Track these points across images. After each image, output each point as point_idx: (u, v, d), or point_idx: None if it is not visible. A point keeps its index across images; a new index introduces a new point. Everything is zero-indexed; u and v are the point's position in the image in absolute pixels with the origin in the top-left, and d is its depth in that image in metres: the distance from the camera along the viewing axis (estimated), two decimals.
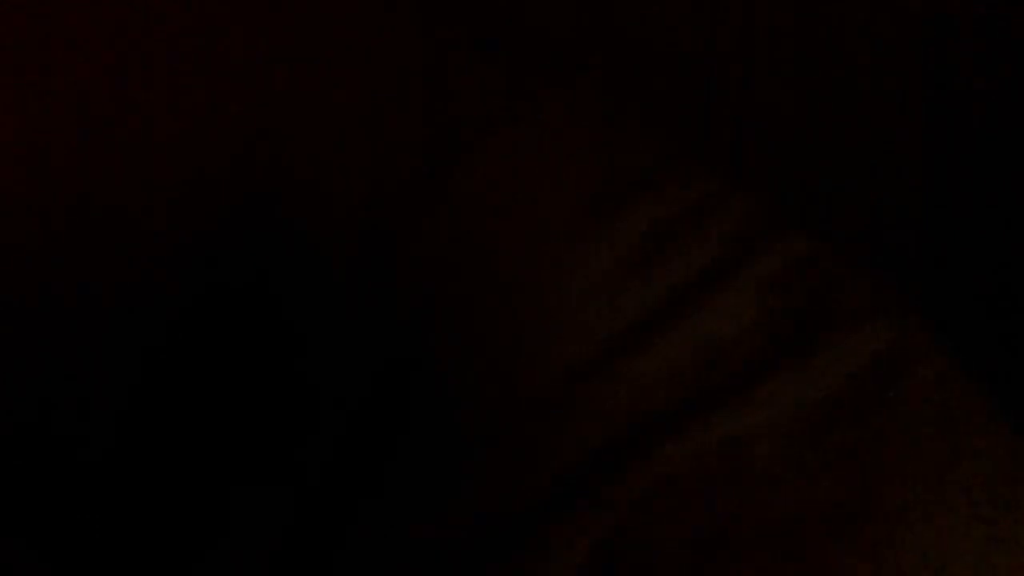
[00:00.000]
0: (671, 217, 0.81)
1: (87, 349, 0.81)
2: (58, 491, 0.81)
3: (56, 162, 0.81)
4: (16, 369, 0.81)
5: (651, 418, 0.77)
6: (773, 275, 0.80)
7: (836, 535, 0.74)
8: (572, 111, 0.84)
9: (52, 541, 0.81)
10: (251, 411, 0.81)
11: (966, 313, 0.87)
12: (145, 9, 0.82)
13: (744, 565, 0.73)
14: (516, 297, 0.79)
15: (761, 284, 0.79)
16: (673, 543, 0.74)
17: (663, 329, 0.78)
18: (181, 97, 0.81)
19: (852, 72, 1.06)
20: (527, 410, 0.77)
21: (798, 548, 0.74)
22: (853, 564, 0.73)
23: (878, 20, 1.07)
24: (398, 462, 0.78)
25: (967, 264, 1.06)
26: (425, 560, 0.77)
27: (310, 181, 0.81)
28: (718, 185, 0.82)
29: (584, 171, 0.82)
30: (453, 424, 0.78)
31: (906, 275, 1.06)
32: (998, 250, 1.07)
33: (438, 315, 0.79)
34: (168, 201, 0.81)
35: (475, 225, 0.81)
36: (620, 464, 0.76)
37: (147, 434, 0.82)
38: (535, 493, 0.77)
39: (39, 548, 0.81)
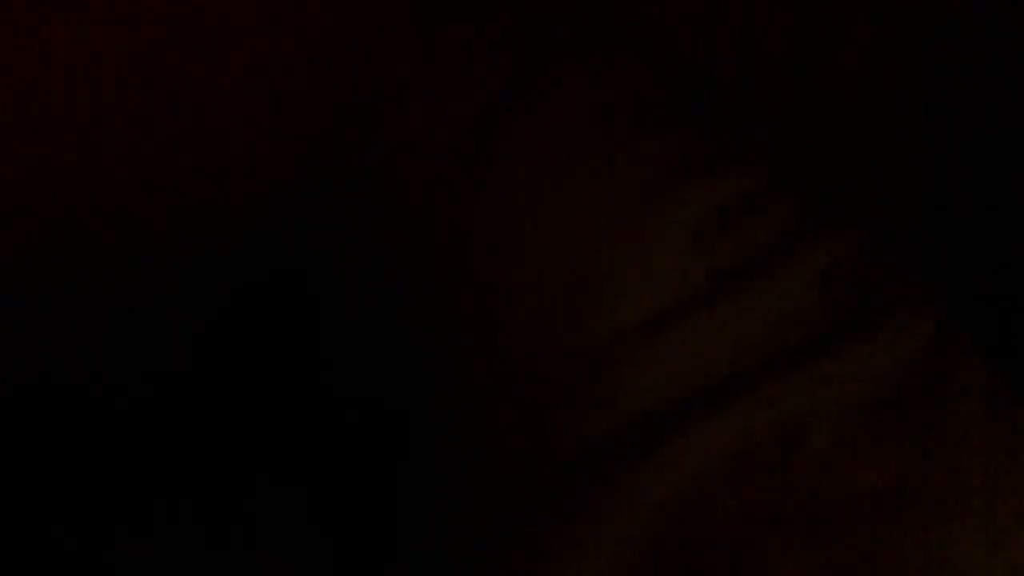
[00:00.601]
0: (728, 203, 0.81)
1: (134, 338, 0.81)
2: (83, 476, 0.82)
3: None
4: (63, 357, 0.81)
5: (709, 387, 0.77)
6: (830, 263, 0.80)
7: (887, 518, 0.74)
8: (621, 92, 0.84)
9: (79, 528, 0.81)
10: (279, 404, 0.81)
11: (965, 317, 0.87)
12: None
13: (796, 543, 0.73)
14: (579, 261, 0.79)
15: (819, 270, 0.80)
16: (728, 515, 0.74)
17: (724, 302, 0.78)
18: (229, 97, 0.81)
19: (852, 72, 1.06)
20: (586, 367, 0.77)
21: (850, 529, 0.74)
22: (903, 547, 0.73)
23: (878, 20, 1.07)
24: (438, 422, 0.78)
25: (967, 263, 1.06)
26: (468, 522, 0.76)
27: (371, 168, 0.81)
28: (767, 176, 0.82)
29: (638, 153, 0.82)
30: (513, 378, 0.78)
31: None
32: (998, 249, 1.07)
33: (498, 283, 0.79)
34: (243, 195, 0.81)
35: (533, 195, 0.81)
36: (679, 428, 0.75)
37: (177, 425, 0.82)
38: (594, 449, 0.77)
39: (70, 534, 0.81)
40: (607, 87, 0.84)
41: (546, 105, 0.82)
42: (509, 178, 0.80)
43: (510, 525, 0.76)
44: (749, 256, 0.80)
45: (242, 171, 0.81)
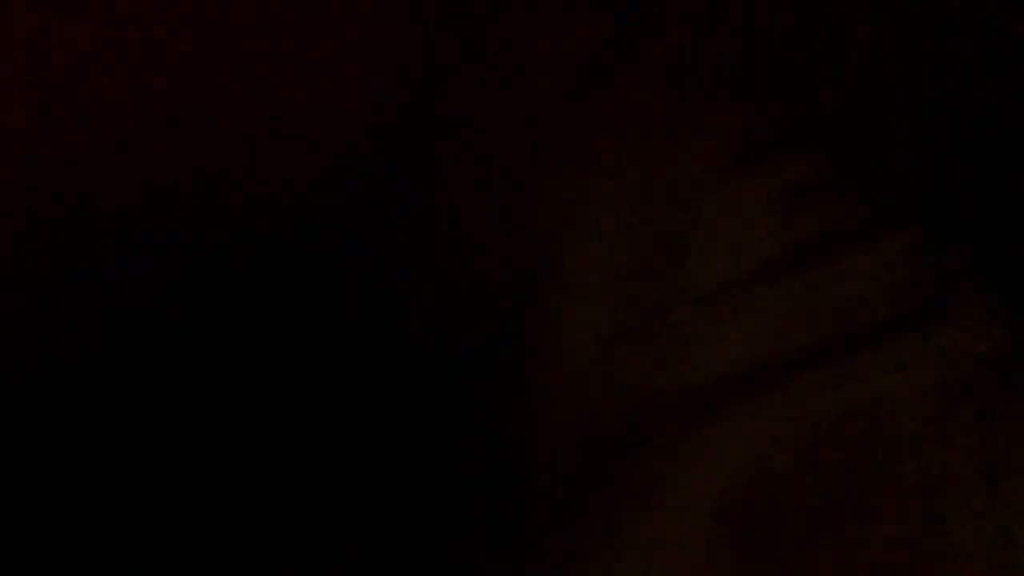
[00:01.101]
0: (809, 180, 0.81)
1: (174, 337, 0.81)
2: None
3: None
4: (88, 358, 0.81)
5: (787, 356, 0.77)
6: (906, 247, 0.80)
7: (972, 504, 0.74)
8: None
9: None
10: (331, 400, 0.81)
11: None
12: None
13: (879, 526, 0.73)
14: (667, 217, 0.78)
15: (896, 253, 0.79)
16: (803, 492, 0.74)
17: (803, 274, 0.78)
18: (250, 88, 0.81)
19: (852, 72, 1.06)
20: (664, 323, 0.77)
21: (936, 515, 0.73)
22: (988, 533, 0.73)
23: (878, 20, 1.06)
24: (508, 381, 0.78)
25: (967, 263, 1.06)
26: (539, 484, 0.76)
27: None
28: (839, 158, 0.82)
29: (730, 118, 0.82)
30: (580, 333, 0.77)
31: None
32: (999, 247, 1.07)
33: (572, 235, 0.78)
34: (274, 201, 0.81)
35: (630, 149, 0.81)
36: (753, 394, 0.75)
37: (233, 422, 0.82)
38: (666, 407, 0.76)
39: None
40: (707, 47, 0.84)
41: (647, 59, 0.82)
42: (608, 130, 0.80)
43: (584, 485, 0.75)
44: (827, 233, 0.80)
45: (331, 133, 0.81)
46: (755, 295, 0.79)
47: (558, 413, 0.77)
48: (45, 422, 0.82)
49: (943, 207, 1.04)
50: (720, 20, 0.89)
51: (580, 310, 0.79)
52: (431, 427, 0.81)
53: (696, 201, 0.80)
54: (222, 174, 0.82)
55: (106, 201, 0.82)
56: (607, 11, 0.84)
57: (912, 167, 0.92)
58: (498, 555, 0.77)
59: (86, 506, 0.83)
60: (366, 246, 0.82)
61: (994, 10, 1.04)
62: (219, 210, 0.82)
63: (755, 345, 0.78)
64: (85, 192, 0.82)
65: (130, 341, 0.83)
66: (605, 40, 0.82)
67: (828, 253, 0.80)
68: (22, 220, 0.82)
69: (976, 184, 1.04)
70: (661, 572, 0.73)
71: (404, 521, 0.81)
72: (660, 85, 0.83)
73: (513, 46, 0.83)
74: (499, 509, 0.78)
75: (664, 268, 0.79)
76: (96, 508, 0.83)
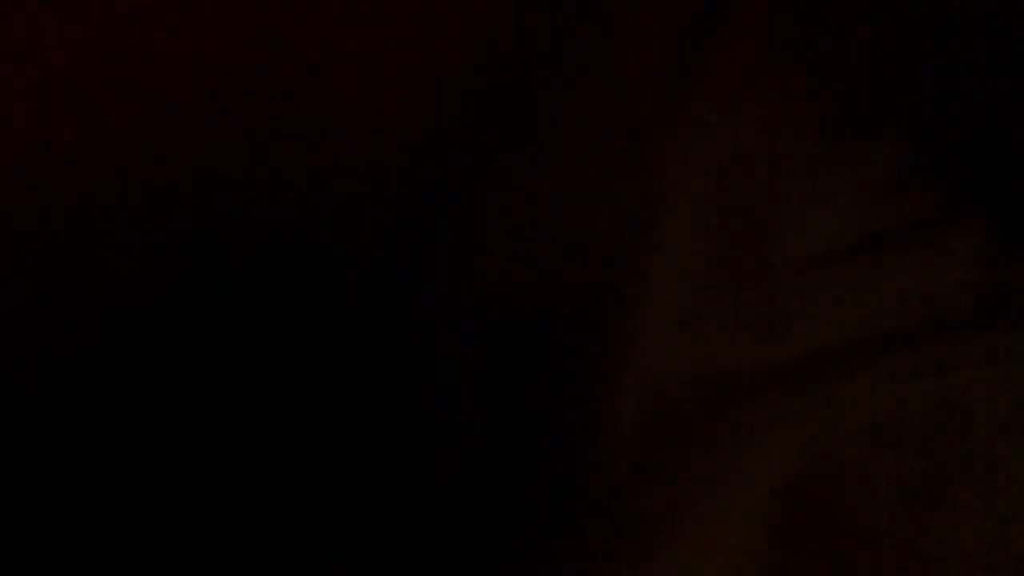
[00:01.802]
0: (889, 166, 0.80)
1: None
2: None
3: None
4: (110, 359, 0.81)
5: (869, 340, 0.76)
6: (983, 243, 0.80)
7: None
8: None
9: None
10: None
11: None
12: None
13: (959, 520, 0.72)
14: (758, 188, 0.78)
15: (975, 248, 0.79)
16: (877, 481, 0.73)
17: (886, 261, 0.78)
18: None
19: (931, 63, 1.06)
20: (751, 294, 0.76)
21: (1003, 515, 0.73)
22: None
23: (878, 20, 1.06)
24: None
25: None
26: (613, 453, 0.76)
27: None
28: (912, 149, 0.82)
29: (818, 99, 0.82)
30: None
31: None
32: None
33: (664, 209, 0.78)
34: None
35: (724, 121, 0.80)
36: (828, 378, 0.74)
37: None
38: (744, 381, 0.76)
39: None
40: (806, 24, 0.83)
41: (741, 27, 0.82)
42: (706, 94, 0.79)
43: (646, 471, 0.75)
44: (906, 223, 0.79)
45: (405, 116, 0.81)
46: (841, 276, 0.78)
47: (628, 391, 0.77)
48: (45, 422, 0.82)
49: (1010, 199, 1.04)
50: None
51: (668, 278, 0.78)
52: (498, 397, 0.80)
53: (782, 177, 0.80)
54: (225, 172, 0.82)
55: (106, 201, 0.82)
56: None
57: (982, 156, 0.92)
58: (554, 543, 0.76)
59: (86, 506, 0.82)
60: (456, 206, 0.82)
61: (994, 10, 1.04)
62: (232, 204, 0.82)
63: (842, 326, 0.77)
64: (85, 192, 0.82)
65: (130, 341, 0.83)
66: (701, 8, 0.82)
67: (908, 241, 0.79)
68: (22, 220, 0.82)
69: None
70: (715, 564, 0.73)
71: (465, 495, 0.81)
72: (753, 53, 0.82)
73: (614, 9, 0.83)
74: (559, 492, 0.77)
75: (752, 241, 0.79)
76: (96, 508, 0.82)
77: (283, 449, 0.84)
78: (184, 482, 0.83)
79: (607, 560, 0.75)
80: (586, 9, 0.84)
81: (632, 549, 0.74)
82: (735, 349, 0.77)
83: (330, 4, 0.82)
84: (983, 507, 0.72)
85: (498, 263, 0.82)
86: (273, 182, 0.83)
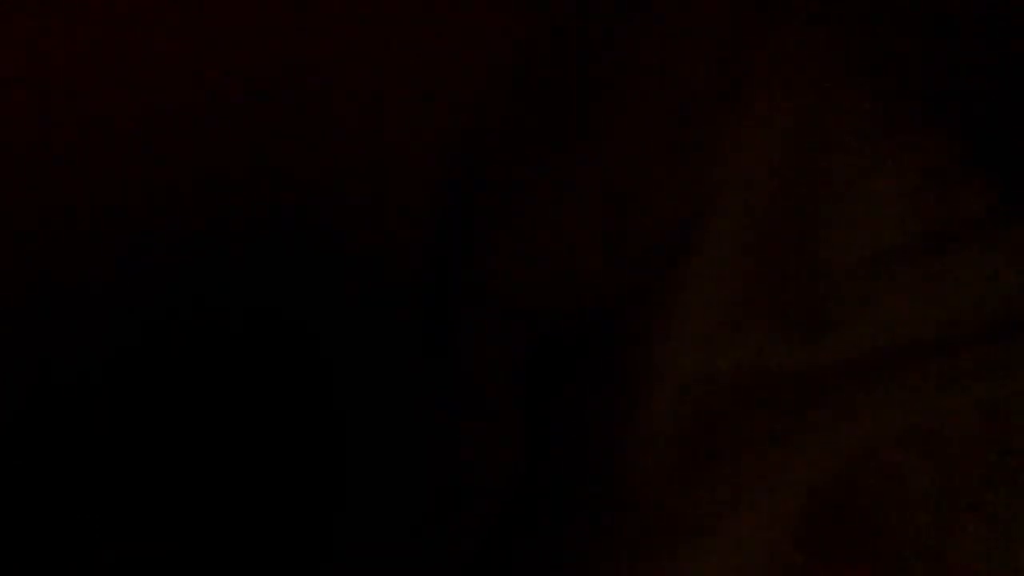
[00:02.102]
0: (940, 164, 0.80)
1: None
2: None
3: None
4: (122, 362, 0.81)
5: (913, 344, 0.75)
6: None
7: None
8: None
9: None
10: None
11: None
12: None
13: (991, 529, 0.72)
14: (813, 186, 0.78)
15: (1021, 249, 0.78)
16: (916, 486, 0.72)
17: (934, 263, 0.77)
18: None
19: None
20: (804, 297, 0.75)
21: None
22: None
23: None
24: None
25: None
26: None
27: None
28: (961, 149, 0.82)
29: (872, 100, 0.81)
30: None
31: None
32: None
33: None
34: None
35: (782, 124, 0.80)
36: (872, 382, 0.74)
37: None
38: (795, 380, 0.75)
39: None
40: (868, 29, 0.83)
41: (796, 30, 0.81)
42: (756, 102, 0.79)
43: (681, 478, 0.74)
44: (960, 223, 0.79)
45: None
46: (892, 277, 0.77)
47: (668, 391, 0.76)
48: (45, 422, 0.82)
49: None
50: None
51: (715, 277, 0.78)
52: (537, 395, 0.80)
53: (833, 176, 0.79)
54: (227, 172, 0.82)
55: (106, 201, 0.82)
56: None
57: None
58: (587, 540, 0.76)
59: (86, 506, 0.82)
60: (498, 203, 0.82)
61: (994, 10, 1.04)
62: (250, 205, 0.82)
63: (892, 329, 0.76)
64: (85, 192, 0.82)
65: (130, 341, 0.83)
66: (752, 4, 0.81)
67: (962, 242, 0.78)
68: (22, 220, 0.82)
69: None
70: (743, 565, 0.72)
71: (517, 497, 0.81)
72: (805, 53, 0.82)
73: (663, 5, 0.82)
74: (595, 491, 0.77)
75: (802, 240, 0.78)
76: (96, 508, 0.82)
77: (284, 449, 0.84)
78: (184, 482, 0.83)
79: (638, 559, 0.74)
80: (633, 4, 0.83)
81: (665, 550, 0.74)
82: (782, 350, 0.76)
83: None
84: (1018, 517, 0.71)
85: (541, 261, 0.81)
86: (276, 182, 0.83)
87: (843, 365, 0.75)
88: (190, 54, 0.82)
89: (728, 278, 0.77)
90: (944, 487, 0.72)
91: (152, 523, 0.82)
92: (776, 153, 0.79)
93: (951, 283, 0.77)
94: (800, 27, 0.82)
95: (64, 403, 0.82)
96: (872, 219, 0.78)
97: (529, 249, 0.81)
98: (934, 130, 0.82)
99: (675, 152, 0.80)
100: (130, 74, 0.82)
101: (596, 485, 0.76)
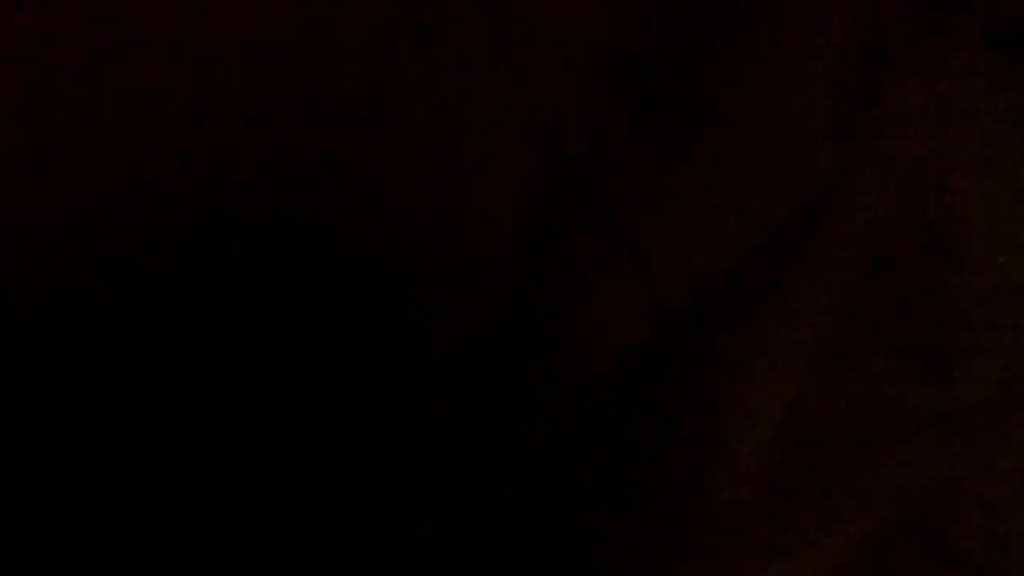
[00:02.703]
0: None
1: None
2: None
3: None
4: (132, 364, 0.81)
5: None
6: None
7: None
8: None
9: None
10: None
11: None
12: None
13: None
14: (955, 211, 0.76)
15: None
16: (1004, 522, 0.71)
17: None
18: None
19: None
20: (942, 328, 0.73)
21: None
22: None
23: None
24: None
25: None
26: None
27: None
28: None
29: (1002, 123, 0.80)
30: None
31: None
32: None
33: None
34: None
35: (916, 148, 0.78)
36: (1006, 409, 0.72)
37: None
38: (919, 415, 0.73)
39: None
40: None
41: (936, 50, 0.80)
42: (886, 125, 0.77)
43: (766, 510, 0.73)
44: None
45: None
46: (1013, 314, 0.75)
47: (765, 419, 0.74)
48: (45, 422, 0.82)
49: None
50: None
51: (817, 299, 0.75)
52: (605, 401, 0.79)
53: (968, 202, 0.76)
54: (227, 172, 0.82)
55: (106, 201, 0.82)
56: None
57: None
58: (673, 558, 0.75)
59: (86, 506, 0.82)
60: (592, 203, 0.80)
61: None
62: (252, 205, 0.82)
63: (1008, 367, 0.74)
64: (85, 192, 0.82)
65: (130, 341, 0.83)
66: (881, 15, 0.80)
67: None
68: (22, 220, 0.82)
69: None
70: None
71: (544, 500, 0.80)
72: (938, 77, 0.80)
73: (781, 17, 0.80)
74: (679, 513, 0.76)
75: (928, 265, 0.75)
76: (96, 508, 0.82)
77: (284, 448, 0.84)
78: (184, 482, 0.83)
79: None
80: (747, 19, 0.81)
81: (745, 572, 0.73)
82: (899, 383, 0.74)
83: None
84: None
85: (689, 223, 0.79)
86: (277, 181, 0.83)
87: (976, 407, 0.73)
88: (190, 54, 0.83)
89: (833, 303, 0.74)
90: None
91: (152, 523, 0.82)
92: (904, 178, 0.76)
93: None
94: (934, 57, 0.80)
95: (64, 403, 0.82)
96: (1007, 246, 0.76)
97: (631, 258, 0.79)
98: None
99: (788, 167, 0.78)
100: (130, 74, 0.82)
101: (682, 507, 0.75)
